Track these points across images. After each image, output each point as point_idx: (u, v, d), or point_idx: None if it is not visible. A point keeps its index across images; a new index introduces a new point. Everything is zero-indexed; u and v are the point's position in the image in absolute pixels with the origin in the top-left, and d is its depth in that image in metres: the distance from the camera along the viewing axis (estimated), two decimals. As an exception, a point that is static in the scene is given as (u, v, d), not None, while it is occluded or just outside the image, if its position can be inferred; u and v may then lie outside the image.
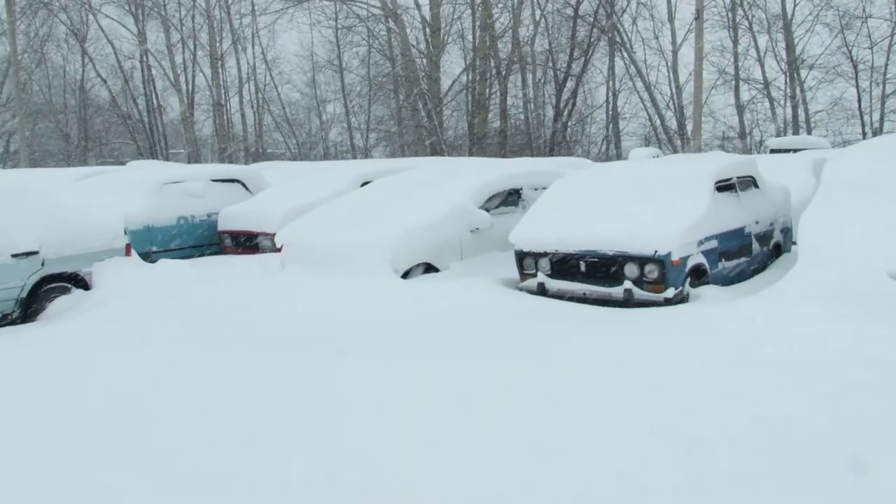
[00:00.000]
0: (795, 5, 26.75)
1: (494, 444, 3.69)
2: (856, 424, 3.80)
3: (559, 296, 7.07)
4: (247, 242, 10.42)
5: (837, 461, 3.39)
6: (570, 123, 29.63)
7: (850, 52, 26.05)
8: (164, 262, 8.60)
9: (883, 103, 25.58)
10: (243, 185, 11.79)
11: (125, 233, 8.39)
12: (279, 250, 8.76)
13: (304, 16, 31.91)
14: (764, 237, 8.34)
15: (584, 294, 6.97)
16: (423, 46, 27.81)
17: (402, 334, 5.91)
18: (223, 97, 32.37)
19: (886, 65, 25.23)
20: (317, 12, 30.71)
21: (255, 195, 11.50)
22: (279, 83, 35.58)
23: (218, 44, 31.33)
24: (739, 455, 3.50)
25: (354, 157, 33.03)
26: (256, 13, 31.62)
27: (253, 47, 34.44)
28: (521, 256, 7.44)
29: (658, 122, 28.25)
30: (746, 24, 27.57)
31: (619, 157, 28.37)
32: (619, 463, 3.47)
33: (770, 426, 3.80)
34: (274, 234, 9.18)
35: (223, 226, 10.75)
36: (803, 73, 27.10)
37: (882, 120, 25.41)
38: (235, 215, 10.67)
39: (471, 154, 25.27)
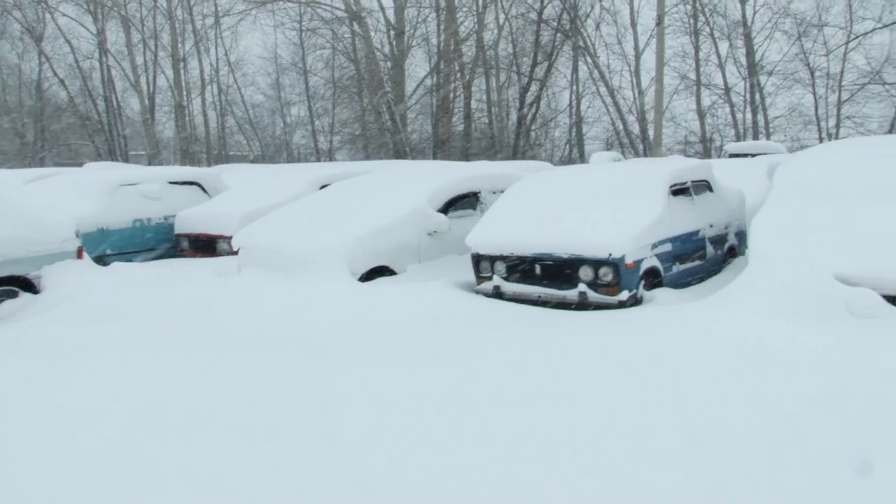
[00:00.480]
0: (755, 12, 27.20)
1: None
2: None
3: (514, 298, 7.09)
4: (204, 245, 10.30)
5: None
6: (533, 127, 29.78)
7: (807, 59, 26.53)
8: (117, 265, 8.47)
9: (839, 109, 26.07)
10: (201, 187, 11.66)
11: (77, 235, 8.24)
12: (237, 253, 8.67)
13: (268, 18, 31.75)
14: (718, 240, 8.45)
15: (539, 297, 7.00)
16: (387, 49, 27.78)
17: (367, 337, 5.87)
18: (185, 99, 32.00)
19: (842, 72, 25.73)
20: (281, 14, 30.57)
21: (214, 198, 11.39)
22: (242, 85, 35.34)
23: (180, 45, 30.98)
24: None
25: (318, 159, 32.83)
26: (219, 14, 31.35)
27: (216, 49, 34.16)
28: (477, 259, 7.45)
29: (620, 127, 28.51)
30: (707, 30, 27.96)
31: (581, 160, 28.55)
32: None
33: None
34: (231, 238, 9.09)
35: (180, 229, 10.62)
36: (763, 79, 27.54)
37: (838, 126, 25.89)
38: (193, 218, 10.55)
39: (435, 157, 25.28)
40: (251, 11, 28.60)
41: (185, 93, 31.90)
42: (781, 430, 3.75)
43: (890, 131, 22.38)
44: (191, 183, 11.57)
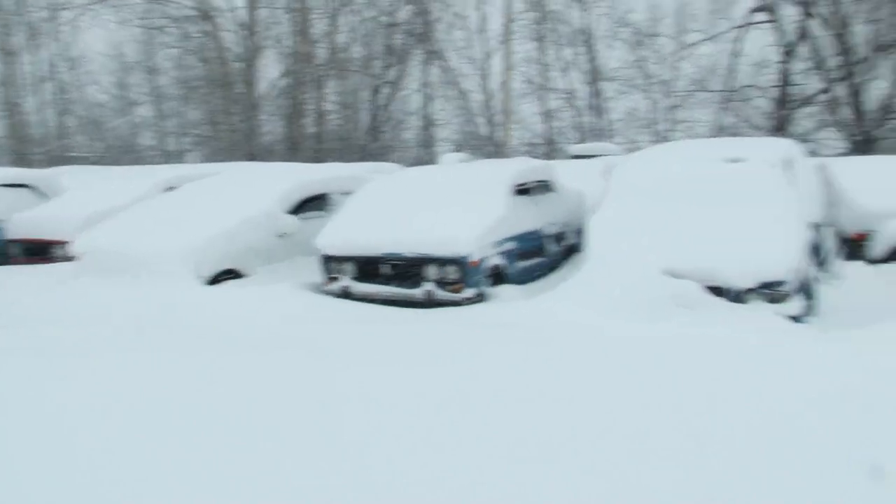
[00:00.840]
0: (597, 22, 28.57)
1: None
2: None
3: (363, 298, 7.20)
4: (39, 251, 9.77)
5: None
6: (385, 129, 29.94)
7: (642, 66, 28.12)
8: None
9: (671, 114, 27.81)
10: (35, 190, 11.05)
11: None
12: (75, 259, 8.31)
13: (111, 13, 30.19)
14: (558, 238, 8.88)
15: (387, 296, 7.14)
16: (238, 50, 27.14)
17: (209, 338, 5.82)
18: (18, 96, 29.95)
19: (673, 79, 27.47)
20: (126, 10, 29.12)
21: (51, 201, 10.82)
22: (84, 83, 33.41)
23: (11, 37, 28.96)
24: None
25: (167, 161, 31.58)
26: (56, 7, 29.52)
27: (53, 43, 32.14)
28: (326, 260, 7.51)
29: (470, 129, 29.17)
30: (552, 37, 29.08)
31: (432, 162, 28.94)
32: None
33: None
34: (69, 242, 8.70)
35: (12, 234, 10.02)
36: (603, 84, 28.95)
37: (670, 130, 27.59)
38: (27, 222, 9.98)
39: (287, 159, 24.93)
40: (91, 6, 27.16)
41: (17, 89, 29.85)
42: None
43: (716, 135, 24.04)
44: (23, 185, 10.95)
